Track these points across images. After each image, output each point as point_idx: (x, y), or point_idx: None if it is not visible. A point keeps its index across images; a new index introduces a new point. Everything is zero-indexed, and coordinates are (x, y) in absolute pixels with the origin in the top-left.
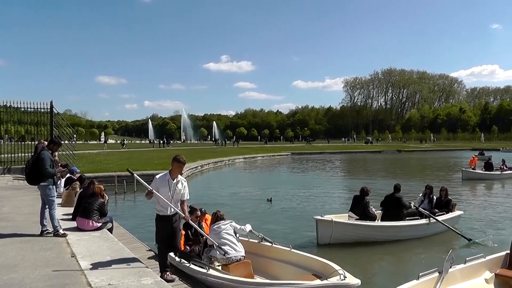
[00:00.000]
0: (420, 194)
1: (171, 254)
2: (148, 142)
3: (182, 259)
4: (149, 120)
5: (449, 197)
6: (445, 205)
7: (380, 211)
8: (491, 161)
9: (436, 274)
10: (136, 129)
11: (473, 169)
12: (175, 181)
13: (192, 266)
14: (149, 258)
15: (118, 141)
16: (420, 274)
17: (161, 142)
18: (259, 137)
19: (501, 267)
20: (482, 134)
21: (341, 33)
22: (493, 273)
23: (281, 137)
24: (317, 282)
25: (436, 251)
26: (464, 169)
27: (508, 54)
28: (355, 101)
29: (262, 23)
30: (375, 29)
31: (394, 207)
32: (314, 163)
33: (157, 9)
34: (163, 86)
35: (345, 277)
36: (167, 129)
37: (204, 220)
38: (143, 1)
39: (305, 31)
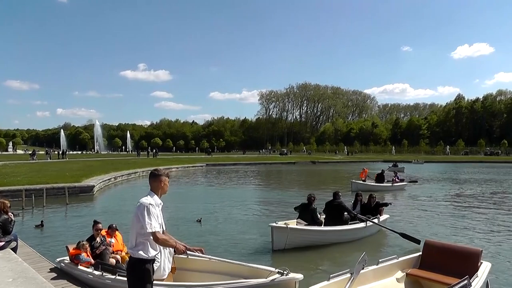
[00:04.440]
0: (351, 202)
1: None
2: (45, 153)
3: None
4: (61, 129)
5: (378, 201)
6: (374, 209)
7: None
8: (383, 174)
9: (348, 275)
10: (48, 139)
11: (363, 180)
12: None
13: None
14: (54, 278)
15: (28, 152)
16: (331, 275)
17: (59, 152)
18: (174, 148)
19: (412, 267)
20: (393, 147)
21: (259, 46)
22: (405, 273)
23: (197, 148)
24: (261, 280)
25: (371, 250)
26: (353, 180)
27: (417, 74)
28: (270, 113)
29: (180, 32)
30: (292, 44)
31: (336, 212)
32: (231, 175)
33: (74, 10)
34: (78, 93)
35: (288, 272)
36: (80, 139)
37: (114, 236)
38: (59, 0)
39: (223, 43)
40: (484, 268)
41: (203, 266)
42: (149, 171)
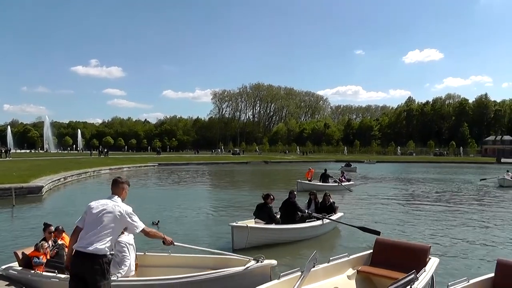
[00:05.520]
0: (306, 201)
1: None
2: None
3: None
4: (8, 126)
5: (332, 201)
6: (329, 207)
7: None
8: (327, 173)
9: (298, 273)
10: None
11: (309, 180)
12: None
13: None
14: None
15: None
16: (281, 274)
17: (1, 151)
18: (126, 147)
19: (363, 265)
20: (346, 148)
21: (213, 45)
22: (356, 270)
23: (149, 147)
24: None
25: (326, 248)
26: (299, 181)
27: (370, 77)
28: (223, 113)
29: (134, 28)
30: (246, 44)
31: (290, 211)
32: (183, 174)
33: (23, 2)
34: (26, 88)
35: (263, 259)
36: (28, 137)
37: (61, 238)
38: None
39: (177, 41)
40: (432, 263)
41: (168, 261)
42: (100, 171)
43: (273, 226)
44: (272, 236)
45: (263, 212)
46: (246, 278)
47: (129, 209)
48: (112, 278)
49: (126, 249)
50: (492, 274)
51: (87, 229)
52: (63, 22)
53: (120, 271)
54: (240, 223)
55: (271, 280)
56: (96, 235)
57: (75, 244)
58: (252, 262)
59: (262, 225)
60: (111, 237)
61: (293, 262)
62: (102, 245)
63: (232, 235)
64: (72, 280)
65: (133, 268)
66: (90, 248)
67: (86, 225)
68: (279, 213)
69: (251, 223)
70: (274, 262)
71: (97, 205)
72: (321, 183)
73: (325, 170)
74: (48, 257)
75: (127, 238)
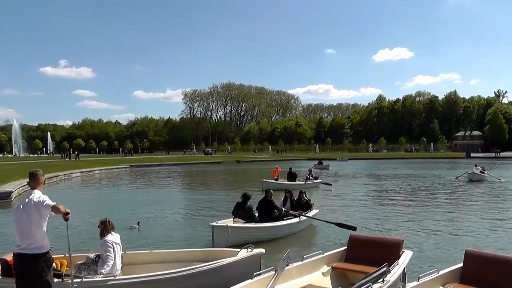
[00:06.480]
0: (282, 199)
1: None
2: None
3: None
4: None
5: (307, 198)
6: (305, 205)
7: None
8: (292, 171)
9: (272, 272)
10: None
11: (275, 179)
12: None
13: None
14: None
15: None
16: (254, 273)
17: None
18: (97, 149)
19: (338, 261)
20: (317, 146)
21: (184, 45)
22: (330, 267)
23: (120, 149)
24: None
25: (303, 245)
26: (264, 180)
27: (341, 76)
28: (194, 113)
29: (103, 28)
30: (217, 43)
31: (267, 209)
32: (156, 176)
33: None
34: None
35: (253, 248)
36: None
37: None
38: None
39: (148, 41)
40: (406, 256)
41: (152, 257)
42: (71, 174)
43: (252, 224)
44: (252, 235)
45: (243, 211)
46: (238, 268)
47: (44, 196)
48: (99, 278)
49: (111, 248)
50: (461, 264)
51: (21, 232)
52: (31, 22)
53: (106, 269)
54: (220, 223)
55: (260, 269)
56: (32, 235)
57: (16, 249)
58: (243, 251)
59: (241, 224)
60: (44, 230)
61: (271, 260)
62: (41, 243)
63: (213, 234)
64: (18, 282)
65: (119, 267)
66: (32, 249)
67: (19, 228)
68: (256, 212)
69: (230, 222)
70: (262, 250)
71: (21, 206)
72: (287, 182)
73: (290, 168)
74: None
75: (113, 237)
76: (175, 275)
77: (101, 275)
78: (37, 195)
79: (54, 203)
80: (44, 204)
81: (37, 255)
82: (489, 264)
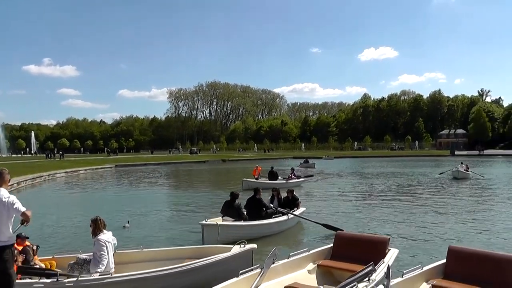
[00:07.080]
0: (269, 197)
1: None
2: None
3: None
4: None
5: (296, 196)
6: (293, 203)
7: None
8: (274, 171)
9: (258, 270)
10: None
11: (256, 178)
12: None
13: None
14: None
15: None
16: (240, 271)
17: None
18: (82, 148)
19: (324, 259)
20: (303, 144)
21: (169, 43)
22: (316, 264)
23: (105, 148)
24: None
25: (291, 242)
26: (244, 179)
27: (326, 75)
28: (180, 112)
29: (88, 26)
30: (202, 43)
31: (256, 207)
32: (142, 176)
33: None
34: None
35: (246, 244)
36: None
37: (23, 245)
38: None
39: (133, 39)
40: (391, 254)
41: (143, 256)
42: (56, 174)
43: (242, 222)
44: (241, 233)
45: (232, 209)
46: (231, 263)
47: (13, 197)
48: (96, 276)
49: (104, 247)
50: (444, 260)
51: None
52: (13, 19)
53: (101, 268)
54: (209, 221)
55: (253, 264)
56: None
57: None
58: (236, 247)
59: (231, 222)
60: (10, 226)
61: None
62: (6, 237)
63: (203, 233)
64: None
65: (112, 265)
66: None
67: None
68: (245, 210)
69: (219, 220)
70: (255, 246)
71: None
72: (268, 181)
73: (272, 167)
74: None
75: (105, 236)
76: (172, 271)
77: (97, 274)
78: (5, 194)
79: (24, 209)
80: (14, 207)
81: (2, 247)
82: (471, 260)
